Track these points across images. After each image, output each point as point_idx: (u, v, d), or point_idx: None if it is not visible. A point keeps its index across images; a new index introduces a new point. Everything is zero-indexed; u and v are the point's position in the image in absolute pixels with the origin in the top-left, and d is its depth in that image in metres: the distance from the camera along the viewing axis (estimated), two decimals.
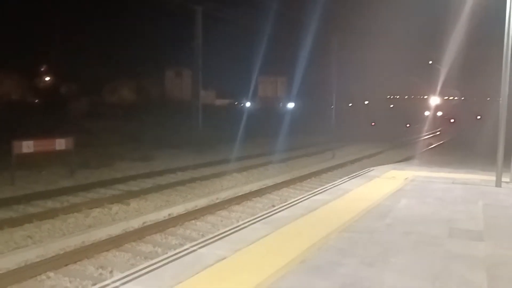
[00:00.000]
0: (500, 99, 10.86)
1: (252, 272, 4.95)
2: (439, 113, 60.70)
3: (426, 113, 57.49)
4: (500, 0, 10.83)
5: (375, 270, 5.12)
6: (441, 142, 33.83)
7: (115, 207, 10.74)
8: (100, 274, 6.76)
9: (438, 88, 45.95)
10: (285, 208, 8.09)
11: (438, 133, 47.23)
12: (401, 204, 8.63)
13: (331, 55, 36.28)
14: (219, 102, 64.87)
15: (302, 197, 9.14)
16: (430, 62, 44.72)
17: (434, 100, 51.63)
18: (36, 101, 42.30)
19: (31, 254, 7.27)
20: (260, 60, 37.38)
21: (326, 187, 10.37)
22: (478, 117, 60.47)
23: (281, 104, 61.69)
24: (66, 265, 6.90)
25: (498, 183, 10.77)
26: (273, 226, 6.82)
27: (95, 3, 61.32)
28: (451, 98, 70.36)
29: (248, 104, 54.00)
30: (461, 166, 15.94)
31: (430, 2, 27.79)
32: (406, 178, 11.86)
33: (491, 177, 11.47)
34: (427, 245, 6.05)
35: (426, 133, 43.79)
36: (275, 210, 8.00)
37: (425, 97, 60.47)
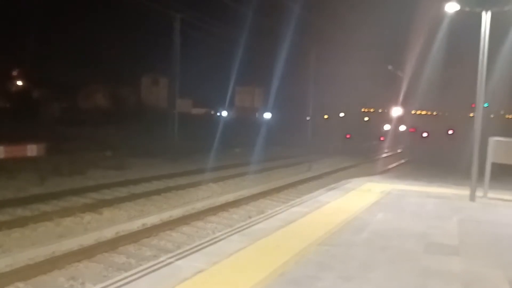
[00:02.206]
0: (474, 114, 11.09)
1: (230, 286, 4.87)
2: (402, 127, 56.01)
3: (386, 127, 53.07)
4: (473, 18, 11.12)
5: (353, 285, 5.09)
6: (415, 156, 34.32)
7: (88, 216, 10.46)
8: (71, 285, 6.55)
9: (400, 98, 45.09)
10: (263, 220, 8.02)
11: (409, 147, 47.15)
12: (377, 217, 8.67)
13: (308, 68, 36.57)
14: (195, 111, 64.59)
15: (280, 209, 9.09)
16: (390, 67, 43.01)
17: (396, 112, 47.94)
18: (8, 105, 41.29)
19: None
20: (238, 70, 37.43)
21: (303, 199, 10.35)
22: (450, 131, 61.74)
23: (257, 115, 61.83)
24: (36, 275, 6.66)
25: (472, 198, 10.96)
26: (251, 238, 6.74)
27: (70, 8, 60.59)
28: (423, 112, 71.68)
29: (224, 113, 53.91)
30: (434, 179, 16.22)
31: (405, 18, 28.45)
32: (382, 191, 11.96)
33: (464, 192, 11.68)
34: (404, 260, 6.06)
35: (398, 147, 44.27)
36: (252, 222, 7.93)
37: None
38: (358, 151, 33.91)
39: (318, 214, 8.77)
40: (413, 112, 60.68)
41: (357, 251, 6.38)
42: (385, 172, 22.55)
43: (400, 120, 51.16)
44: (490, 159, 11.26)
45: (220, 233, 7.18)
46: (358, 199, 10.63)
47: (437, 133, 60.26)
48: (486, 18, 10.67)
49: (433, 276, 5.49)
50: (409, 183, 14.41)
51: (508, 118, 58.11)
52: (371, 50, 38.89)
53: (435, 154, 32.81)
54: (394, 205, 10.15)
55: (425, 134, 63.01)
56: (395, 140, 46.86)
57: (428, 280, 5.34)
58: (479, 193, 11.18)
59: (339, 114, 66.98)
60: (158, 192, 13.67)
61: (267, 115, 50.53)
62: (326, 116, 64.08)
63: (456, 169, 20.02)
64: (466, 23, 13.31)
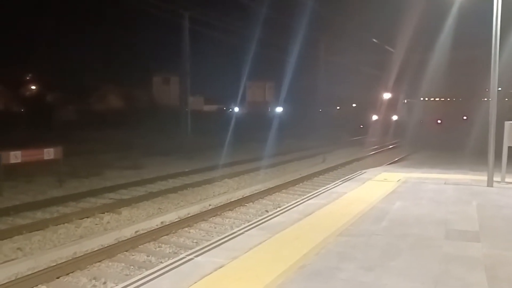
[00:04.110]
0: (490, 98, 10.93)
1: (251, 280, 4.87)
2: (395, 117, 50.36)
3: (374, 117, 47.13)
4: (486, 1, 10.94)
5: (375, 274, 5.07)
6: (428, 144, 33.98)
7: (107, 217, 10.57)
8: (94, 285, 6.61)
9: (391, 82, 42.57)
10: (280, 213, 8.02)
11: (422, 134, 45.82)
12: (396, 206, 8.61)
13: (318, 59, 36.28)
14: (207, 107, 64.79)
15: (297, 202, 9.08)
16: (374, 40, 39.52)
17: (387, 97, 44.30)
18: (22, 110, 41.84)
19: (22, 267, 7.10)
20: (248, 65, 37.41)
21: (319, 191, 10.32)
22: (464, 117, 60.93)
23: (269, 109, 61.76)
24: (58, 277, 6.74)
25: (490, 183, 10.83)
26: (269, 231, 6.75)
27: (81, 11, 61.03)
28: (437, 99, 70.76)
29: (236, 109, 53.99)
30: (450, 166, 16.08)
31: (417, 3, 28.05)
32: (398, 180, 11.88)
33: (481, 177, 11.57)
34: (424, 248, 6.02)
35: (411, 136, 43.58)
36: (270, 215, 7.93)
37: (408, 100, 59.35)
38: (371, 141, 33.68)
39: (335, 205, 8.74)
40: (422, 99, 59.86)
41: (377, 240, 6.35)
42: (400, 161, 22.39)
43: (409, 107, 49.96)
44: (506, 143, 11.11)
45: (238, 228, 7.19)
46: (374, 189, 10.57)
47: (451, 119, 59.52)
48: (497, 0, 10.48)
49: (455, 261, 5.45)
50: (425, 171, 14.29)
51: None
52: (379, 36, 38.33)
53: (450, 140, 32.44)
54: (411, 193, 10.07)
55: (438, 121, 62.29)
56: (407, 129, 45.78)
57: (451, 266, 5.30)
58: (496, 178, 11.04)
59: (351, 104, 66.48)
60: (174, 190, 13.75)
61: (279, 109, 50.47)
62: (338, 107, 63.72)
63: (472, 155, 19.84)
64: (477, 4, 13.11)
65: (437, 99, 68.77)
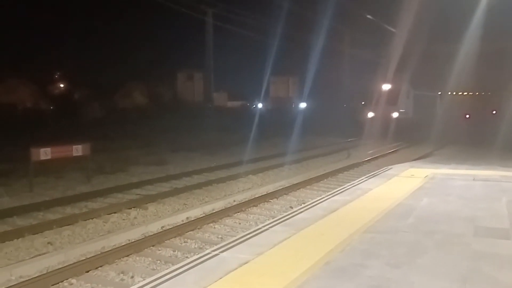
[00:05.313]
0: None
1: (276, 276, 4.88)
2: (395, 114, 41.10)
3: (370, 114, 39.62)
4: None
5: (402, 271, 5.01)
6: (456, 139, 33.29)
7: (134, 212, 10.74)
8: (122, 279, 6.74)
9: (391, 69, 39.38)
10: (304, 210, 7.99)
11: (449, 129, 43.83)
12: (423, 202, 8.48)
13: (343, 53, 35.87)
14: (231, 103, 64.86)
15: (321, 198, 9.03)
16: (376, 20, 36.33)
17: (385, 87, 38.90)
18: (51, 108, 42.80)
19: (52, 261, 7.29)
20: (271, 61, 37.26)
21: (344, 187, 10.24)
22: (494, 111, 59.48)
23: (293, 104, 61.44)
24: (88, 271, 6.89)
25: None
26: (294, 228, 6.74)
27: (107, 9, 61.94)
28: (465, 93, 69.17)
29: (260, 105, 53.91)
30: (479, 162, 15.76)
31: None
32: (425, 176, 11.69)
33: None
34: (453, 245, 5.92)
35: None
36: (294, 212, 7.91)
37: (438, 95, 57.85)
38: (398, 136, 33.12)
39: (360, 201, 8.67)
40: (449, 93, 58.44)
41: (403, 237, 6.27)
42: (427, 156, 22.03)
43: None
44: None
45: (262, 224, 7.20)
46: (401, 185, 10.44)
47: (479, 114, 58.18)
48: None
49: (484, 259, 5.34)
50: (453, 167, 14.04)
51: None
52: (405, 29, 37.44)
53: (478, 135, 31.72)
54: (439, 189, 9.90)
55: (467, 116, 60.97)
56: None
57: (480, 264, 5.20)
58: None
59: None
60: (199, 185, 13.86)
61: (303, 104, 50.16)
62: (363, 103, 62.93)
63: (502, 150, 19.38)
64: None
65: (465, 93, 67.22)
